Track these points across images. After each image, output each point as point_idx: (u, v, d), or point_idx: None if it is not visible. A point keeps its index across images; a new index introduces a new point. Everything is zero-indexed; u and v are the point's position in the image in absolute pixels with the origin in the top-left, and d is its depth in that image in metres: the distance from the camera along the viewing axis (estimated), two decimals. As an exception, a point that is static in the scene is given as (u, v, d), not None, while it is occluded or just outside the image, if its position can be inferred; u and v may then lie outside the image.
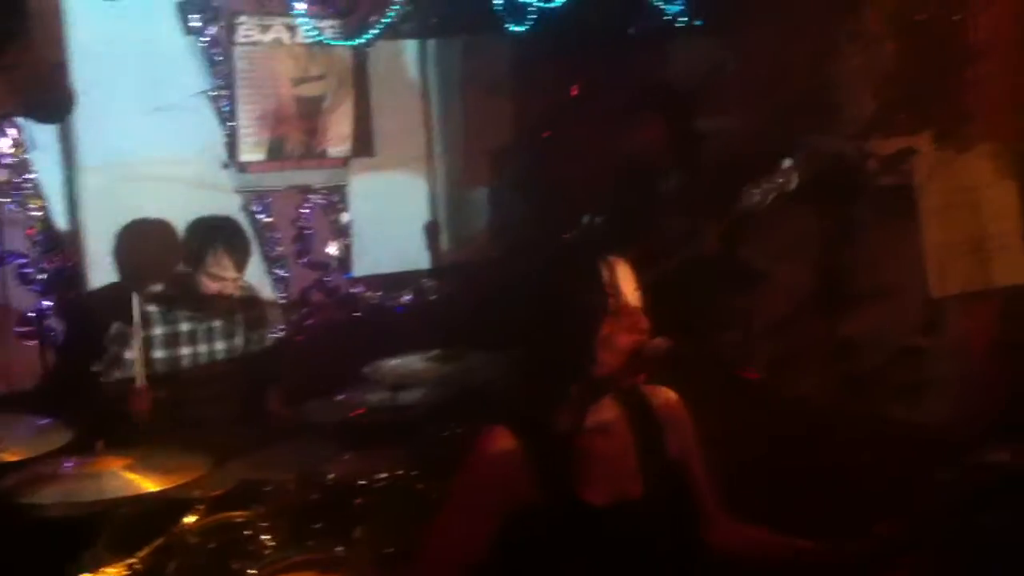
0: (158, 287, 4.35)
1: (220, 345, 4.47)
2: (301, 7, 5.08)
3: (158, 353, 4.32)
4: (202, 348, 4.41)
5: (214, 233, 4.33)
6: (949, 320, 4.19)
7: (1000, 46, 4.10)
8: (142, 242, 4.74)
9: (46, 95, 4.38)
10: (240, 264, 4.35)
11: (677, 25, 5.26)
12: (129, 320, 4.24)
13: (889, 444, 4.24)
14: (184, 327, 4.37)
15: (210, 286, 4.29)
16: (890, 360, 4.35)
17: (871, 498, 3.71)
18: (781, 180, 3.91)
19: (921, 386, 4.24)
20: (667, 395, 2.39)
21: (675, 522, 2.28)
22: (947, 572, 2.72)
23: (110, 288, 4.69)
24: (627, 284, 2.20)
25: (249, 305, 4.59)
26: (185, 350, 4.38)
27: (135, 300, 4.27)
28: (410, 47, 5.55)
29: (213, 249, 4.25)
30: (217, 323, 4.45)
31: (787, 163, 3.93)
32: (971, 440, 3.74)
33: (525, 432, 2.18)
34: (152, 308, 4.30)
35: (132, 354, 4.23)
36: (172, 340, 4.35)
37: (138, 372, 4.15)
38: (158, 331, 4.31)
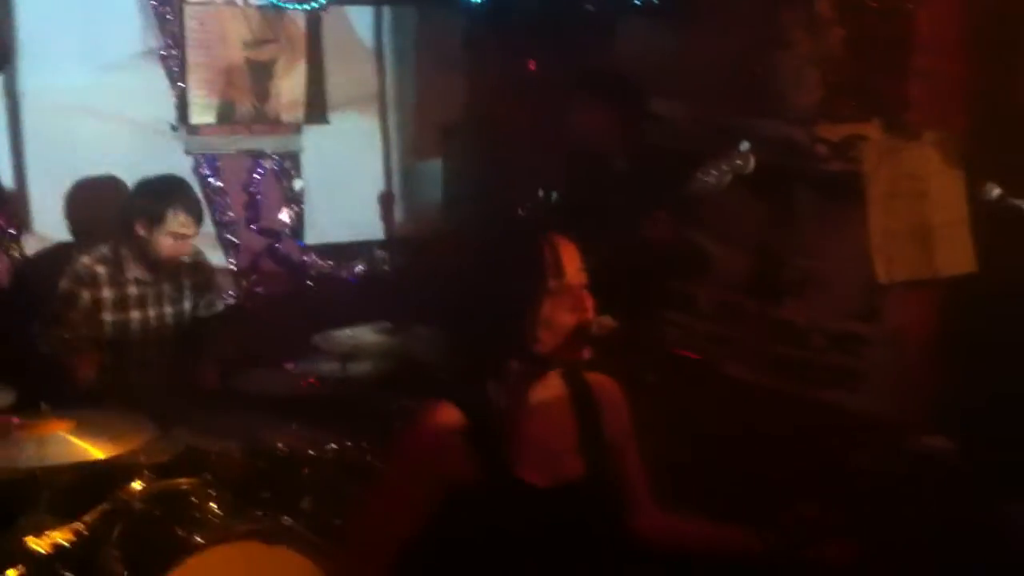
0: (106, 248, 4.31)
1: (169, 309, 4.44)
2: (255, -32, 5.03)
3: (106, 316, 4.28)
4: (151, 312, 4.39)
5: (170, 192, 4.30)
6: (889, 307, 4.25)
7: (947, 35, 4.16)
8: (93, 199, 4.70)
9: None
10: (199, 220, 4.34)
11: (634, 3, 5.26)
12: (76, 281, 4.21)
13: (825, 429, 4.32)
14: (133, 290, 4.33)
15: (168, 245, 4.26)
16: (829, 345, 4.42)
17: (804, 482, 3.79)
18: (739, 162, 3.92)
19: (859, 372, 4.32)
20: (605, 379, 2.40)
21: (611, 506, 2.29)
22: (881, 557, 2.78)
23: (58, 248, 4.64)
24: (571, 263, 2.19)
25: (197, 270, 4.57)
26: (134, 313, 4.34)
27: (82, 260, 4.24)
28: (365, 14, 5.51)
29: (173, 208, 4.22)
30: (166, 287, 4.42)
31: (745, 146, 3.94)
32: (907, 427, 3.83)
33: (468, 408, 2.17)
34: (100, 269, 4.26)
35: (78, 315, 4.21)
36: (120, 303, 4.31)
37: (83, 335, 4.14)
38: (106, 294, 4.28)
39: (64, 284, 4.22)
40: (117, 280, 4.29)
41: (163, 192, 4.29)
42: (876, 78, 4.29)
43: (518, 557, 2.16)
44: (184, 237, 4.27)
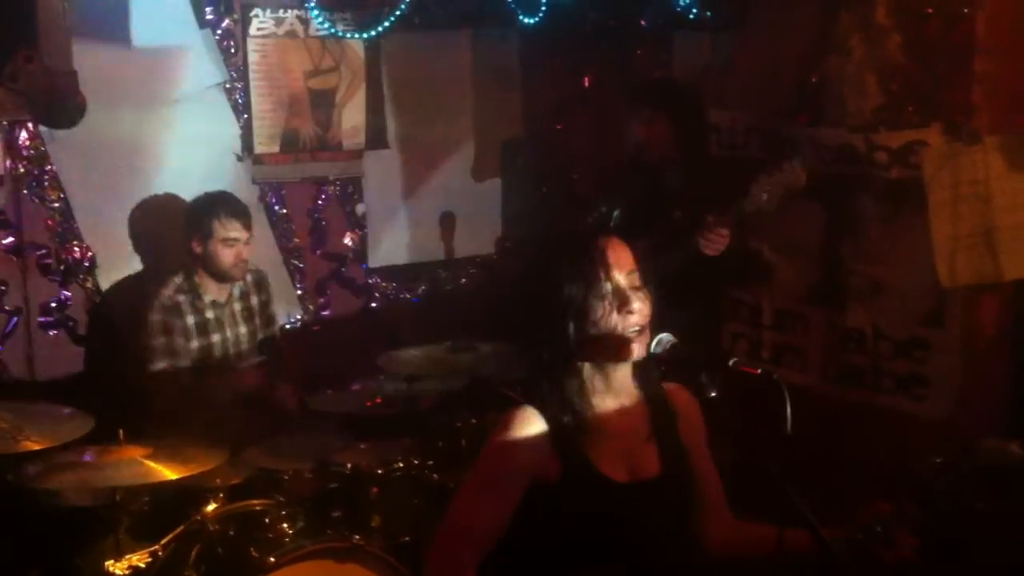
0: (179, 277, 4.42)
1: (243, 329, 4.55)
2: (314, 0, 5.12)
3: (193, 343, 4.38)
4: (229, 333, 4.50)
5: (211, 203, 4.42)
6: (954, 312, 4.21)
7: (1007, 39, 4.12)
8: (163, 227, 4.79)
9: (55, 104, 4.41)
10: (247, 224, 4.43)
11: (688, 17, 5.27)
12: (165, 312, 4.31)
13: (894, 436, 4.27)
14: (211, 314, 4.44)
15: (226, 254, 4.36)
16: (896, 352, 4.38)
17: (874, 490, 3.74)
18: (790, 179, 3.90)
19: (926, 378, 4.27)
20: (681, 389, 2.46)
21: (687, 507, 2.38)
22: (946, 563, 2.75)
23: (132, 279, 4.75)
24: (620, 264, 2.27)
25: (261, 287, 4.67)
26: (215, 337, 4.46)
27: (164, 292, 4.34)
28: (422, 39, 5.57)
29: (217, 216, 4.34)
30: (237, 306, 4.53)
31: (796, 162, 3.93)
32: (976, 433, 3.78)
33: (548, 411, 2.26)
34: (181, 298, 4.37)
35: (180, 342, 4.31)
36: (203, 328, 4.42)
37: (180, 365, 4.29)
38: (190, 321, 4.39)
39: (155, 317, 4.31)
40: (196, 307, 4.40)
41: (205, 206, 4.42)
42: (935, 84, 4.26)
43: (599, 552, 2.24)
44: (237, 241, 4.38)
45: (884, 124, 4.38)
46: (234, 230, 4.36)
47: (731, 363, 2.24)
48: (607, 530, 2.24)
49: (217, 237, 4.33)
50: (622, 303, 2.24)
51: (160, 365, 4.29)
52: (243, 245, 4.41)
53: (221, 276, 4.43)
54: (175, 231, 4.51)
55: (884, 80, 4.41)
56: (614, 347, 2.26)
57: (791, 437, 2.11)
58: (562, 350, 2.26)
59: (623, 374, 2.34)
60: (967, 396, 4.15)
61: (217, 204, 4.40)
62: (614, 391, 2.33)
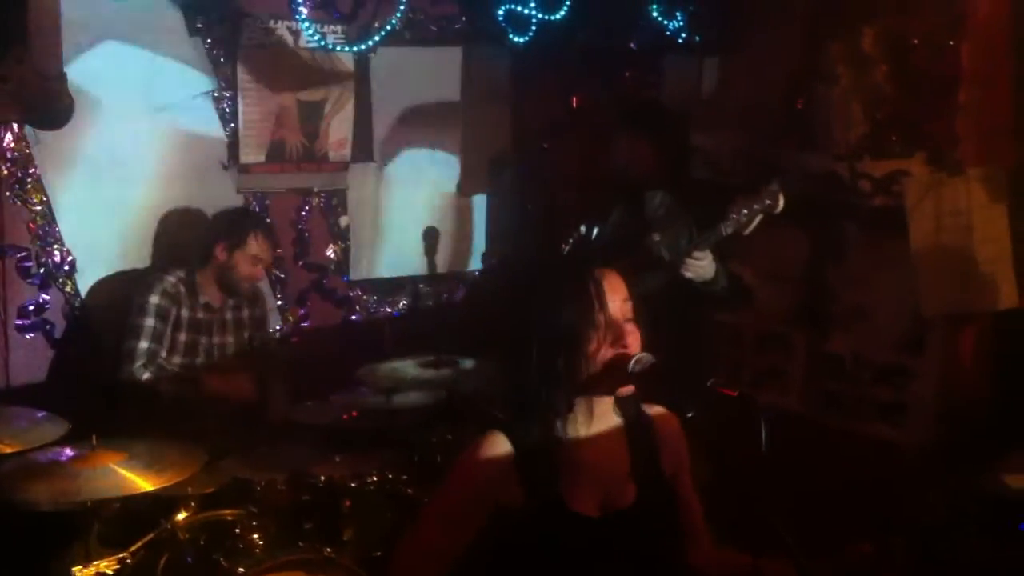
0: (182, 272, 4.44)
1: (230, 338, 4.56)
2: (305, 12, 5.11)
3: (181, 336, 4.40)
4: (215, 339, 4.51)
5: (251, 218, 4.63)
6: (935, 340, 4.23)
7: (991, 70, 4.15)
8: (184, 228, 4.81)
9: (44, 105, 4.40)
10: (275, 250, 4.66)
11: (677, 40, 5.30)
12: (166, 296, 4.33)
13: (874, 462, 4.27)
14: (201, 315, 4.46)
15: (246, 269, 4.44)
16: (875, 378, 4.40)
17: (854, 515, 3.74)
18: (768, 202, 3.89)
19: (905, 406, 4.29)
20: (664, 413, 2.42)
21: (663, 538, 2.32)
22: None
23: (111, 280, 4.73)
24: (614, 296, 2.24)
25: (256, 302, 4.69)
26: (203, 339, 4.47)
27: (168, 279, 4.36)
28: (412, 54, 5.58)
29: (255, 232, 4.45)
30: (229, 316, 4.55)
31: (774, 185, 3.92)
32: (955, 460, 3.78)
33: (518, 438, 2.23)
34: (182, 288, 4.41)
35: (168, 332, 4.33)
36: (192, 326, 4.43)
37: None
38: (184, 313, 4.40)
39: (155, 300, 4.33)
40: (191, 303, 4.42)
41: (245, 218, 4.59)
42: (920, 113, 4.30)
43: None
44: (260, 261, 4.50)
45: (868, 152, 4.43)
46: (264, 251, 4.50)
47: (709, 384, 2.21)
48: (573, 563, 2.20)
49: (248, 251, 4.43)
50: (616, 337, 2.21)
51: (144, 345, 4.27)
52: (262, 268, 4.53)
53: (228, 287, 4.49)
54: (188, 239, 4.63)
55: (869, 109, 4.45)
56: (606, 380, 2.22)
57: (769, 459, 2.11)
58: (549, 381, 2.23)
59: (606, 404, 2.30)
60: (946, 424, 4.16)
61: (258, 222, 4.62)
62: (595, 422, 2.29)
